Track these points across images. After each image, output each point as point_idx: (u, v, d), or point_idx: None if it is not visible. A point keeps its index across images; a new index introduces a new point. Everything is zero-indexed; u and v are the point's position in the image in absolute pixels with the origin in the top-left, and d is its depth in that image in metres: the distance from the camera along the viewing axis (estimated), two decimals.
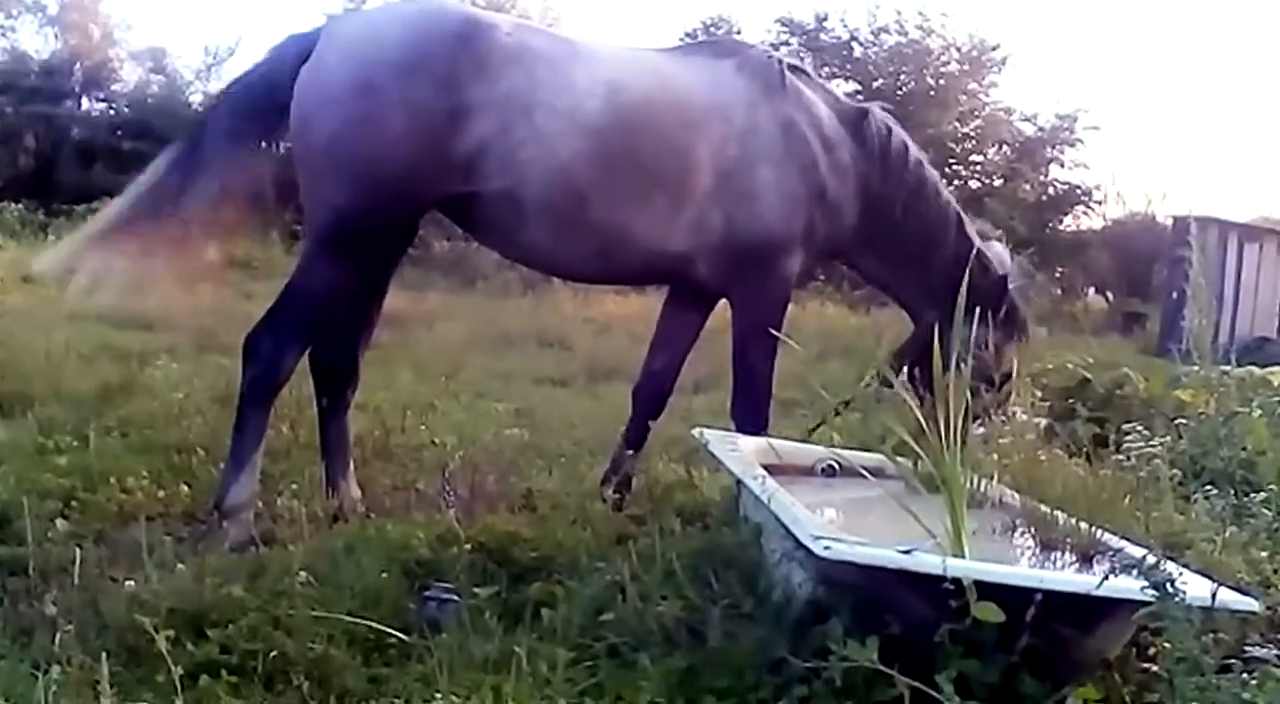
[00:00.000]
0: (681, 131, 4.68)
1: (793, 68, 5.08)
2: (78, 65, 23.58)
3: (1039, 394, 5.80)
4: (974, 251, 5.24)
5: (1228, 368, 6.30)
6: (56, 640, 2.98)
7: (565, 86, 4.45)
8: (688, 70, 4.88)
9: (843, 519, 3.87)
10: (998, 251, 5.51)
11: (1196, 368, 6.15)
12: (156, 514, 4.50)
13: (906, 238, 5.21)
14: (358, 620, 3.21)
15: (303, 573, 3.43)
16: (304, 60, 4.36)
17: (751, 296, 4.91)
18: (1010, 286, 5.36)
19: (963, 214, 5.44)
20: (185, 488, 4.76)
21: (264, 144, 4.60)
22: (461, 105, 4.28)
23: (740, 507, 4.08)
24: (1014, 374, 5.30)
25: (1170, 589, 2.56)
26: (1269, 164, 38.95)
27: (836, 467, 4.37)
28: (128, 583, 3.43)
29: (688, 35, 24.62)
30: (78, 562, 3.49)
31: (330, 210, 4.36)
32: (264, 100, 4.46)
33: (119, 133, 23.08)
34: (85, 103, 24.37)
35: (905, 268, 5.31)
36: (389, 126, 4.23)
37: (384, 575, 3.60)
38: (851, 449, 4.51)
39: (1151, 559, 2.68)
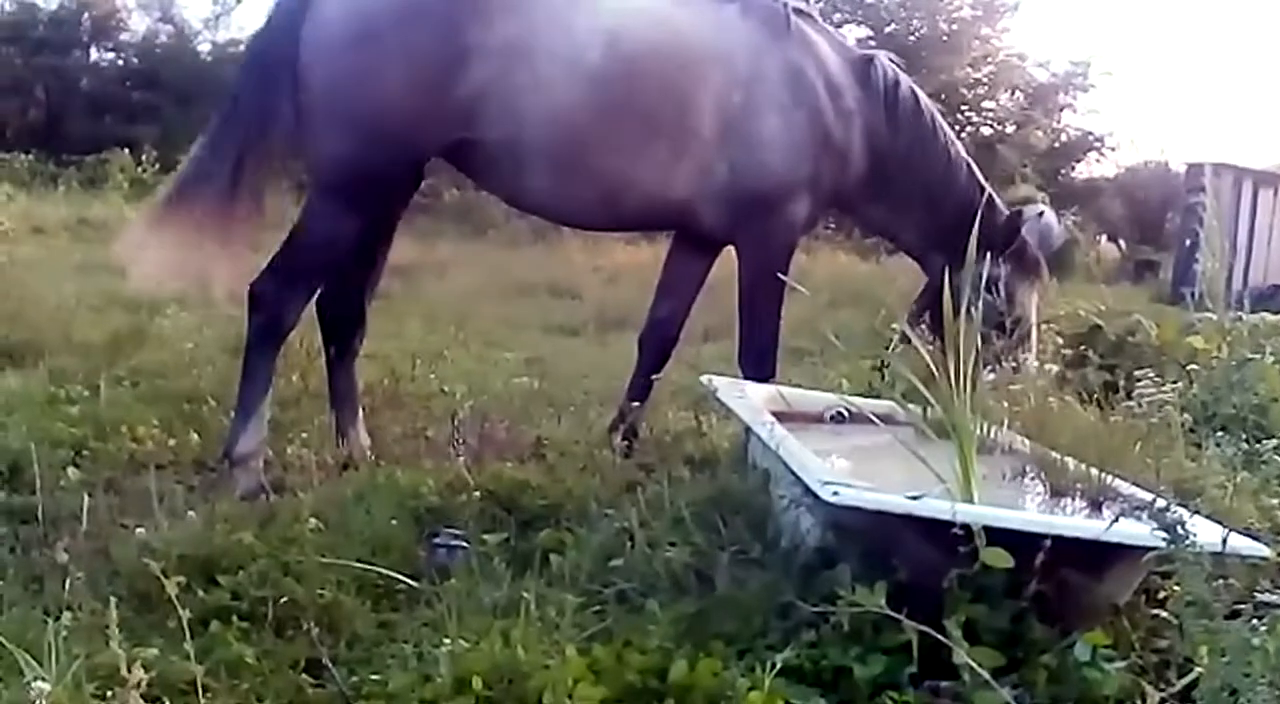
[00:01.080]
0: (683, 79, 4.62)
1: (798, 12, 5.00)
2: (86, 15, 23.38)
3: (1059, 341, 5.78)
4: (985, 198, 5.18)
5: (1240, 314, 6.26)
6: (67, 587, 2.99)
7: (564, 34, 4.40)
8: (691, 15, 4.80)
9: (852, 465, 3.86)
10: (1048, 218, 5.43)
11: (1209, 314, 6.11)
12: (167, 462, 4.51)
13: (913, 185, 5.15)
14: (367, 567, 3.23)
15: (312, 520, 3.44)
16: (307, 9, 4.31)
17: (757, 243, 4.88)
18: (1023, 231, 5.29)
19: (972, 163, 5.37)
20: (195, 436, 4.77)
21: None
22: (461, 51, 4.24)
23: (749, 454, 4.08)
24: (1027, 319, 5.25)
25: (1180, 534, 2.54)
26: None
27: (846, 414, 4.36)
28: (138, 530, 3.45)
29: None
30: (88, 509, 3.51)
31: (332, 159, 4.34)
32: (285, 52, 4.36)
33: (127, 83, 23.01)
34: (94, 53, 24.18)
35: (912, 216, 5.25)
36: (388, 74, 4.20)
37: (393, 522, 3.62)
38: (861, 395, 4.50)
39: (1161, 504, 2.67)
